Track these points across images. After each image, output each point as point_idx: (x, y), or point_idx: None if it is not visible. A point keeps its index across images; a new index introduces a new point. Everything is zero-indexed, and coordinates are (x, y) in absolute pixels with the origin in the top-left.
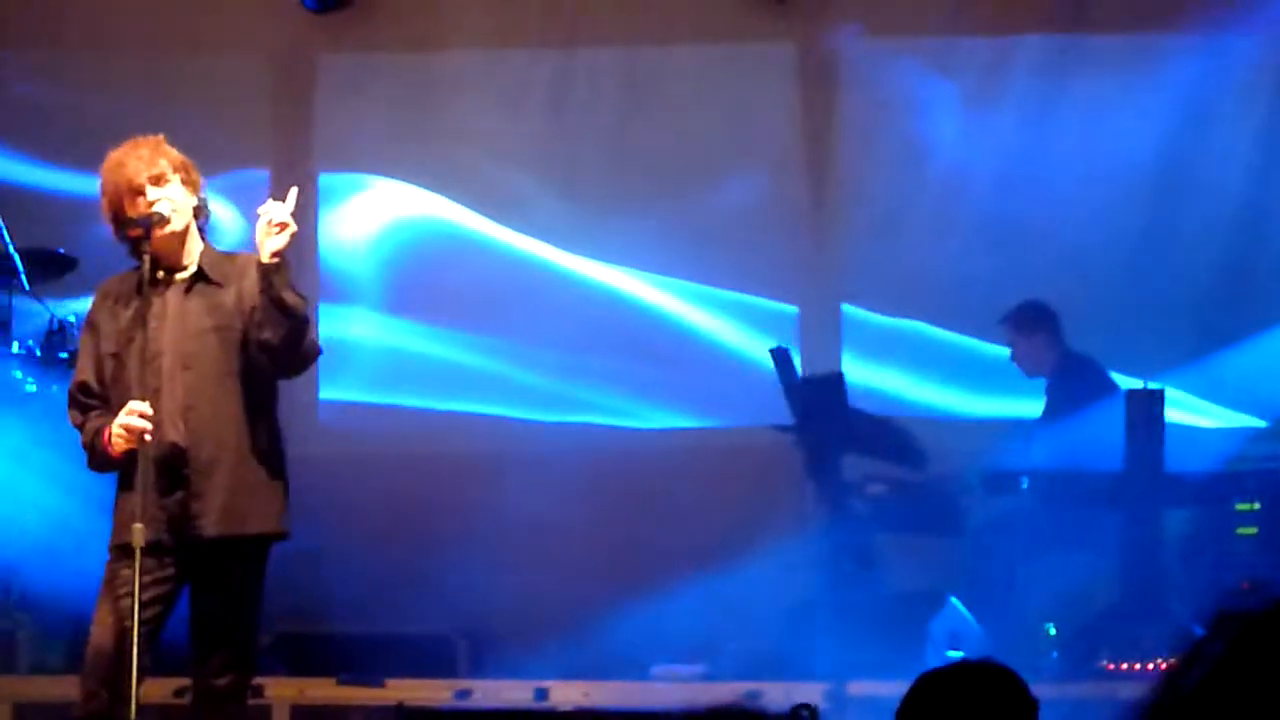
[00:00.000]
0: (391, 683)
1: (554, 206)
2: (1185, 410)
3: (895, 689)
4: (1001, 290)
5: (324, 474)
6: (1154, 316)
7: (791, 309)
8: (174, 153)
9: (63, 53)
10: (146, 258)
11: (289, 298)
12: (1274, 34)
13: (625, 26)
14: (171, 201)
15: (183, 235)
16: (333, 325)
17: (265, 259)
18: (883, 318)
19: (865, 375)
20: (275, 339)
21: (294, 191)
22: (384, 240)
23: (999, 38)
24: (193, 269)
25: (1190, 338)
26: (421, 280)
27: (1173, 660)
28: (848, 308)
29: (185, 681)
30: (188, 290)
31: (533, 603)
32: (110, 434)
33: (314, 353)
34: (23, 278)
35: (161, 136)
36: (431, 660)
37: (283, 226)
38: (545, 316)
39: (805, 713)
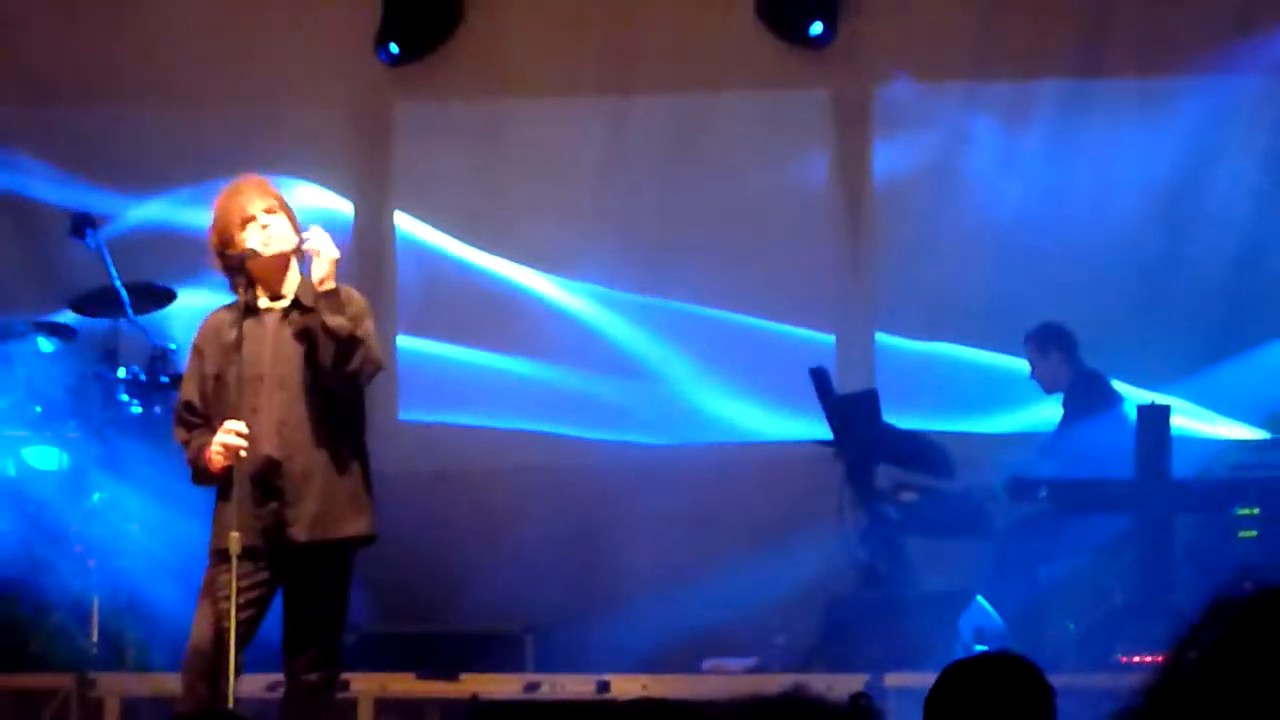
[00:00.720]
0: (466, 676)
1: (610, 242)
2: (1192, 419)
3: (927, 679)
4: (1025, 310)
5: (403, 487)
6: (1164, 333)
7: (829, 338)
8: (277, 190)
9: (162, 103)
10: (242, 288)
11: (332, 321)
12: (1273, 74)
13: (676, 75)
14: (273, 234)
15: (283, 267)
16: (414, 354)
17: (316, 288)
18: (915, 343)
19: (898, 396)
20: (326, 360)
21: (317, 228)
22: (456, 281)
23: (1021, 83)
24: (289, 299)
25: (1197, 352)
26: (488, 315)
27: (1174, 645)
28: (881, 336)
29: (278, 677)
30: (283, 318)
31: (595, 603)
32: (210, 452)
33: (370, 370)
34: (128, 309)
35: (266, 177)
36: (502, 656)
37: (316, 254)
38: (604, 345)
39: (864, 701)
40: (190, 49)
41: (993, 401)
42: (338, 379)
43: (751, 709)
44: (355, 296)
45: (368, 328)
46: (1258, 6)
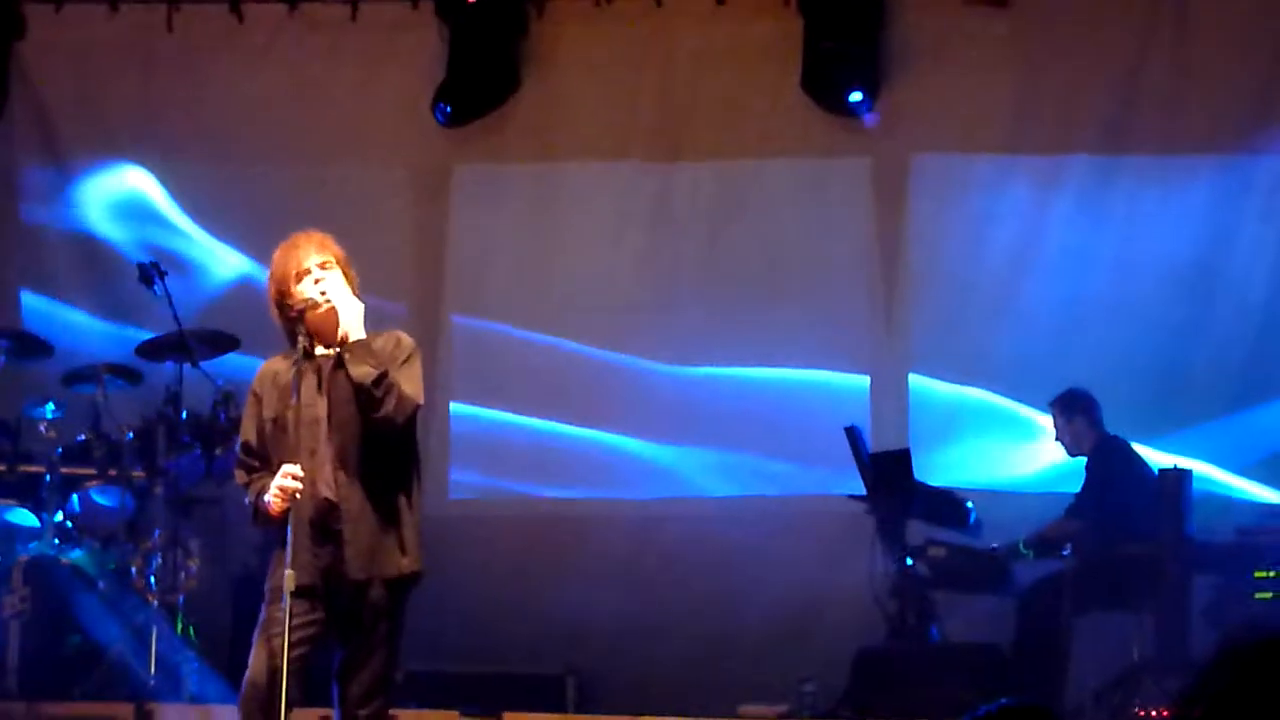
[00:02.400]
0: (509, 716)
1: (655, 301)
2: (1212, 478)
3: None
4: (1050, 369)
5: (451, 533)
6: (1186, 396)
7: (864, 379)
8: (336, 246)
9: (242, 164)
10: (302, 336)
11: (355, 372)
12: None
13: (722, 142)
14: (326, 289)
15: (336, 319)
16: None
17: (341, 339)
18: (946, 387)
19: (930, 435)
20: (361, 407)
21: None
22: (505, 342)
23: (1051, 155)
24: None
25: (1218, 415)
26: (533, 376)
27: (1183, 694)
28: (915, 378)
29: (329, 712)
30: (336, 365)
31: (633, 648)
32: (269, 495)
33: (405, 410)
34: (193, 355)
35: (328, 234)
36: (544, 696)
37: (338, 307)
38: (643, 403)
39: None
40: (260, 109)
41: (1019, 454)
42: (375, 423)
43: None
44: (403, 340)
45: (408, 372)
46: (1276, 89)
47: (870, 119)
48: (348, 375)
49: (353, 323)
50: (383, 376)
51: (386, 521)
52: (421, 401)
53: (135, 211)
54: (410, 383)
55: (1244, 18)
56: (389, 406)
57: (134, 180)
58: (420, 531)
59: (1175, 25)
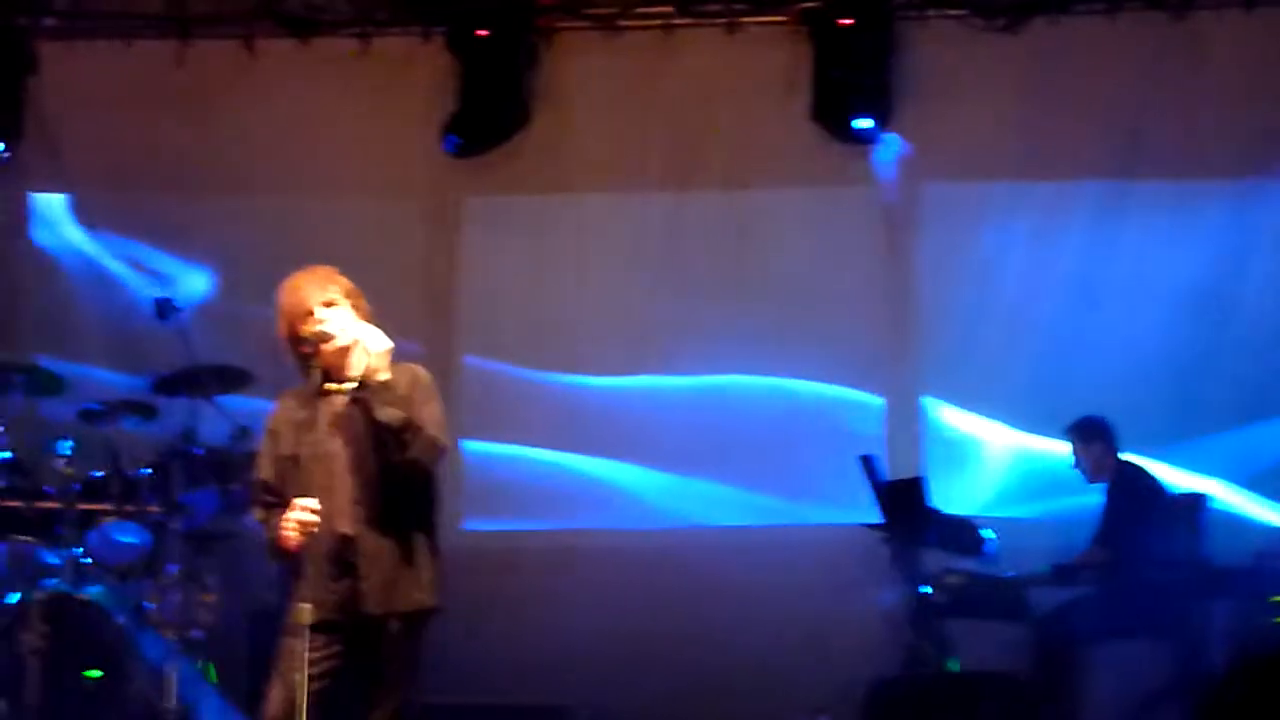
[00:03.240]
0: None
1: (665, 333)
2: (1229, 502)
3: None
4: (1063, 396)
5: (462, 566)
6: (1200, 421)
7: (878, 403)
8: (344, 280)
9: (252, 198)
10: (316, 371)
11: (381, 415)
12: None
13: (733, 172)
14: (330, 328)
15: (346, 354)
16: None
17: (367, 380)
18: (960, 413)
19: (945, 461)
20: (384, 449)
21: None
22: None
23: (1060, 183)
24: (355, 382)
25: (1232, 438)
26: (545, 411)
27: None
28: (929, 402)
29: None
30: (351, 401)
31: (645, 679)
32: (284, 530)
33: (430, 454)
34: (208, 389)
35: (333, 267)
36: None
37: (364, 348)
38: (657, 435)
39: None
40: (271, 143)
41: (1035, 480)
42: (399, 465)
43: None
44: (420, 376)
45: (431, 411)
46: None
47: (881, 153)
48: (372, 416)
49: (379, 361)
50: (409, 421)
51: (404, 556)
52: (446, 444)
53: (144, 244)
54: (433, 424)
55: (1256, 43)
56: (415, 450)
57: (143, 213)
58: (439, 565)
59: (1187, 51)
